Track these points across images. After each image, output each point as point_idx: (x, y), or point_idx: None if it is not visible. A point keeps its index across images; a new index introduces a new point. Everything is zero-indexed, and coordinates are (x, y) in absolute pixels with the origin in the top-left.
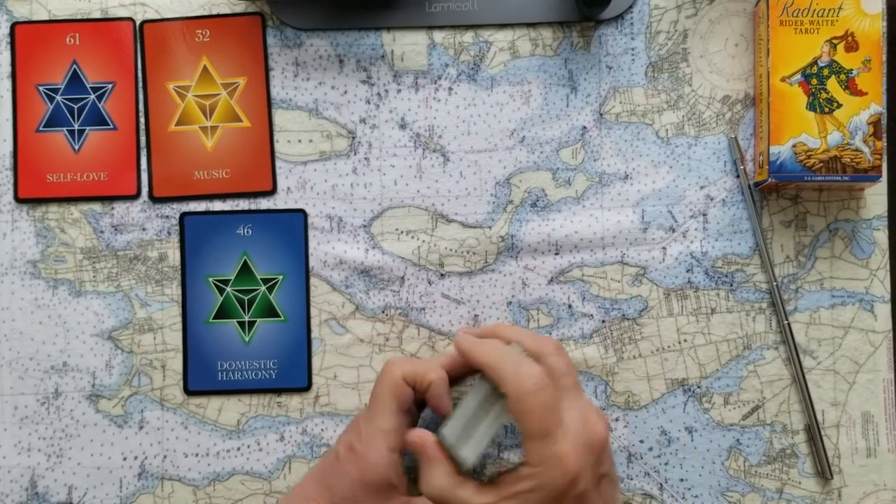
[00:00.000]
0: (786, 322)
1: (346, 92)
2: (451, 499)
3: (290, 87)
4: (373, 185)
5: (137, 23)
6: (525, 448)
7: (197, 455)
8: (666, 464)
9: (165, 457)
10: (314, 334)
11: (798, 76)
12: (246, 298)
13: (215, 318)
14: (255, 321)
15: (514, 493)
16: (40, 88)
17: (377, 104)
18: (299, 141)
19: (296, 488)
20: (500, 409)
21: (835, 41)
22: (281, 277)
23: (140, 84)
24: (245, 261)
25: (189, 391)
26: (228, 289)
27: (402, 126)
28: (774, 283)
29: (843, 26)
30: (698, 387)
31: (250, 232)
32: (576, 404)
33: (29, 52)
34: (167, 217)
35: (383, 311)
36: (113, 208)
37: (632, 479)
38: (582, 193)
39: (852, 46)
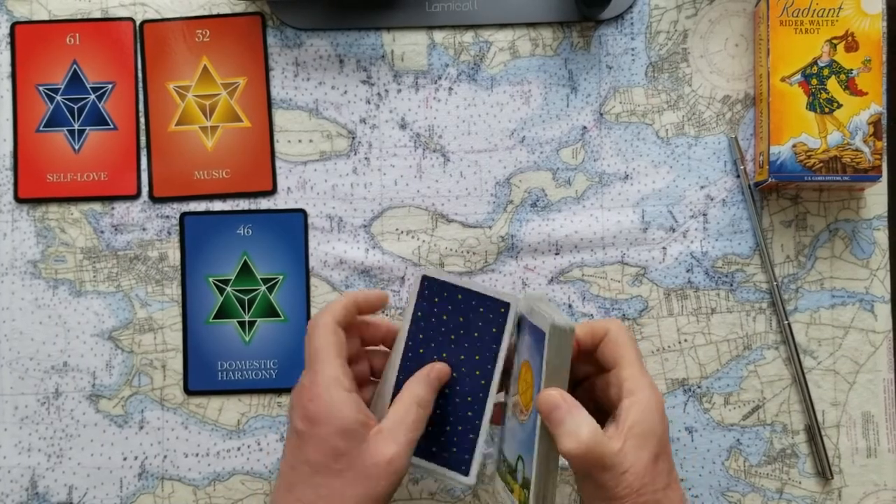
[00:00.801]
0: (786, 322)
1: (346, 92)
2: (598, 450)
3: (291, 87)
4: (373, 185)
5: (137, 23)
6: (621, 378)
7: (197, 455)
8: None
9: (166, 457)
10: None
11: (798, 76)
12: (246, 298)
13: (215, 318)
14: (256, 321)
15: (629, 426)
16: (40, 88)
17: (377, 104)
18: (299, 141)
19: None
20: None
21: (835, 41)
22: (281, 277)
23: (140, 84)
24: (245, 261)
25: (189, 391)
26: (228, 289)
27: (403, 126)
28: (774, 283)
29: (843, 26)
30: (698, 387)
31: (250, 232)
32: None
33: (29, 52)
34: (167, 217)
35: (383, 311)
36: (113, 208)
37: None
38: (582, 193)
39: (852, 46)
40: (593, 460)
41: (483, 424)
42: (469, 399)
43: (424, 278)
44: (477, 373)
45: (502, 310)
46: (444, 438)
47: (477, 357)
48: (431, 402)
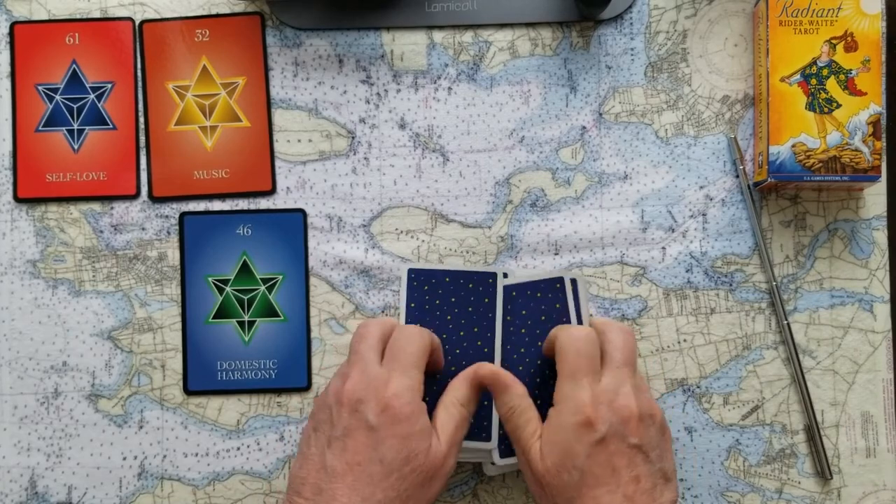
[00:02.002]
0: (785, 322)
1: (345, 92)
2: (521, 413)
3: (290, 87)
4: (372, 184)
5: (137, 22)
6: (555, 389)
7: (197, 455)
8: None
9: (165, 457)
10: (314, 334)
11: (797, 76)
12: (245, 298)
13: (215, 317)
14: (255, 321)
15: (541, 433)
16: (40, 88)
17: (377, 104)
18: (299, 141)
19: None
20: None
21: (834, 41)
22: (280, 277)
23: (139, 84)
24: (245, 260)
25: (189, 391)
26: (228, 288)
27: (402, 126)
28: (774, 283)
29: (843, 26)
30: (698, 387)
31: (250, 232)
32: (621, 379)
33: (28, 51)
34: (167, 217)
35: (383, 311)
36: (112, 208)
37: None
38: (581, 193)
39: (851, 46)
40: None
41: None
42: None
43: (411, 271)
44: (479, 343)
45: (490, 280)
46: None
47: (476, 329)
48: (475, 401)
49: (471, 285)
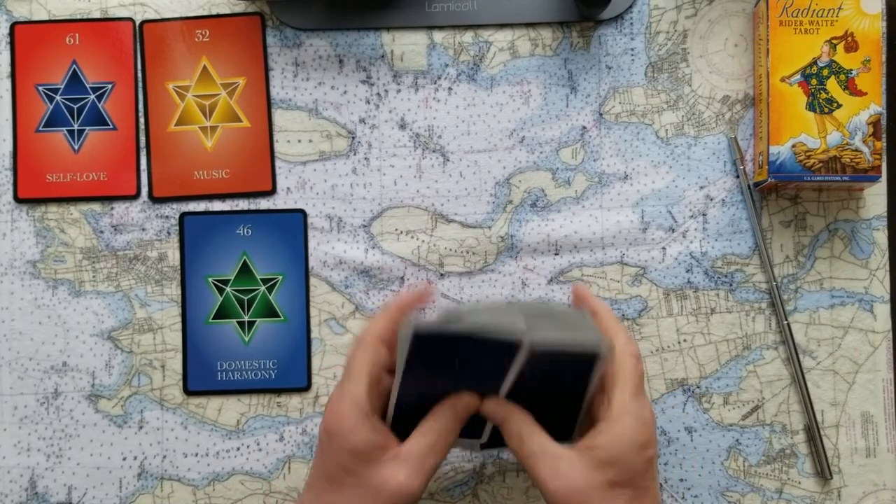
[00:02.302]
0: (785, 322)
1: (345, 92)
2: (529, 444)
3: (290, 88)
4: (372, 185)
5: (137, 23)
6: (616, 399)
7: (196, 455)
8: (665, 464)
9: (165, 457)
10: (314, 334)
11: (798, 76)
12: (246, 298)
13: (215, 318)
14: (255, 321)
15: (592, 445)
16: (40, 88)
17: (377, 104)
18: (299, 141)
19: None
20: (577, 333)
21: (834, 41)
22: (280, 277)
23: (140, 84)
24: (245, 261)
25: (189, 391)
26: (228, 289)
27: (402, 126)
28: (774, 284)
29: (843, 26)
30: (698, 387)
31: (250, 232)
32: (645, 395)
33: (29, 52)
34: (167, 217)
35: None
36: (112, 208)
37: None
38: (581, 193)
39: (852, 47)
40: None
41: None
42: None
43: (417, 337)
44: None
45: (512, 347)
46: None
47: (478, 390)
48: (457, 431)
49: (486, 351)
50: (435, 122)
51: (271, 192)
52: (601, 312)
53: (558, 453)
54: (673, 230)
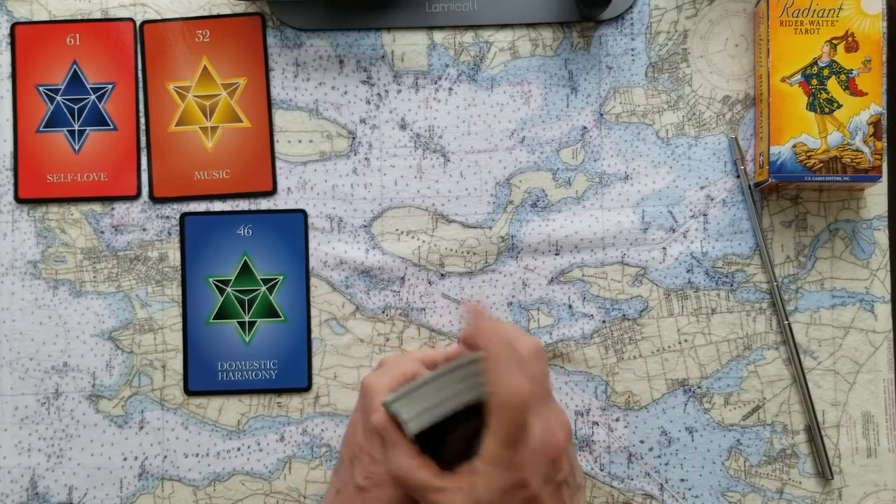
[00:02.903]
0: (786, 322)
1: (346, 92)
2: (410, 479)
3: (291, 88)
4: (373, 185)
5: (137, 23)
6: (486, 446)
7: (197, 455)
8: (666, 464)
9: (166, 457)
10: (314, 334)
11: (798, 76)
12: (246, 299)
13: (215, 318)
14: (256, 321)
15: (469, 484)
16: (41, 89)
17: (377, 104)
18: (299, 141)
19: None
20: (463, 390)
21: (835, 41)
22: (281, 278)
23: (140, 84)
24: (245, 261)
25: (189, 391)
26: (229, 289)
27: (403, 126)
28: (775, 284)
29: (844, 27)
30: (699, 387)
31: (250, 232)
32: (542, 412)
33: (29, 52)
34: (167, 217)
35: (383, 312)
36: (113, 209)
37: (632, 479)
38: (582, 194)
39: (852, 47)
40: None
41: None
42: None
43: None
44: None
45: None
46: None
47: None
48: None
49: None
50: (435, 123)
51: (272, 192)
52: (489, 351)
53: (443, 485)
54: (674, 230)
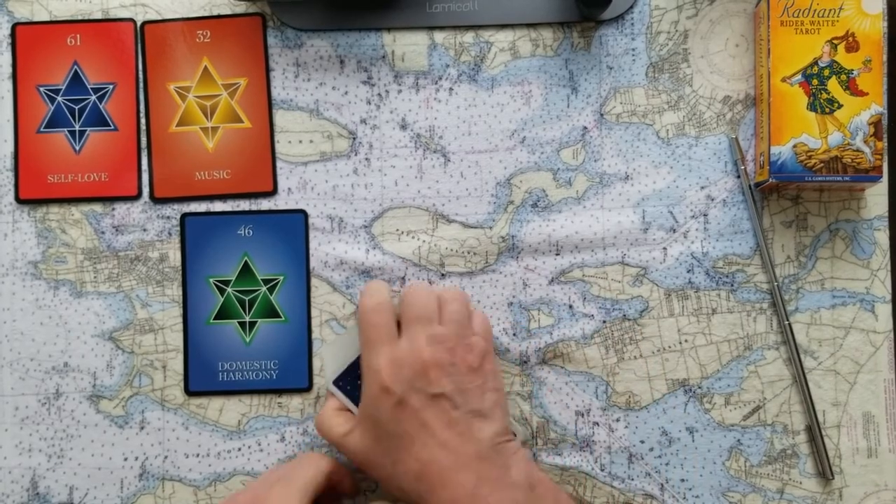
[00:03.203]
0: (787, 322)
1: (346, 92)
2: (326, 427)
3: (291, 88)
4: (373, 185)
5: (138, 23)
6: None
7: (198, 455)
8: (667, 464)
9: (166, 457)
10: (315, 335)
11: (799, 76)
12: (247, 299)
13: (216, 318)
14: (256, 322)
15: (360, 407)
16: (41, 89)
17: (378, 105)
18: (300, 141)
19: None
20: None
21: (835, 41)
22: (282, 278)
23: (141, 85)
24: (246, 261)
25: (190, 392)
26: (229, 289)
27: (403, 126)
28: (775, 284)
29: (844, 27)
30: (699, 387)
31: (251, 232)
32: (412, 334)
33: (30, 52)
34: (168, 218)
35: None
36: (114, 209)
37: (633, 479)
38: (583, 194)
39: (853, 47)
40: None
41: None
42: None
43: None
44: None
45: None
46: None
47: None
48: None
49: None
50: (436, 123)
51: (272, 192)
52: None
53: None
54: (674, 230)
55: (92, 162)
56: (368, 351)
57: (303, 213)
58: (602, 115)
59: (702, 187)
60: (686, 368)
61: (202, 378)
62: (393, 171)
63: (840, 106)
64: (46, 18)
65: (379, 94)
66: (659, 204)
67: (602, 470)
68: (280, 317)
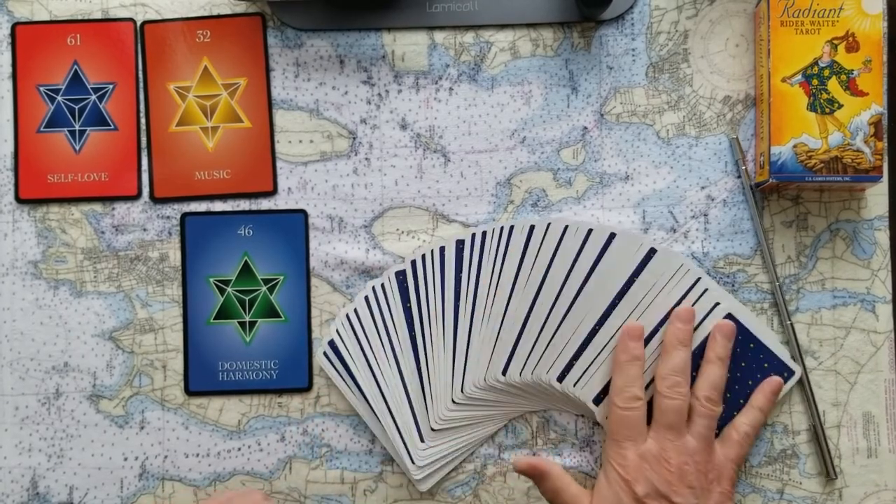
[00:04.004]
0: (788, 322)
1: (346, 92)
2: (565, 490)
3: (291, 88)
4: (373, 185)
5: (138, 23)
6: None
7: (198, 455)
8: None
9: (166, 457)
10: (315, 335)
11: (799, 77)
12: (247, 299)
13: (216, 318)
14: (256, 321)
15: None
16: (41, 89)
17: (378, 104)
18: (300, 141)
19: None
20: None
21: (835, 42)
22: (282, 278)
23: (141, 84)
24: (246, 261)
25: (190, 391)
26: (229, 289)
27: (403, 126)
28: (777, 284)
29: (844, 27)
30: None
31: (251, 232)
32: (671, 442)
33: (30, 52)
34: (168, 217)
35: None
36: (114, 209)
37: None
38: (583, 194)
39: (853, 47)
40: None
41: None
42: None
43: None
44: (734, 413)
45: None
46: None
47: (741, 401)
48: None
49: None
50: (436, 123)
51: (272, 192)
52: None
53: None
54: (674, 230)
55: (92, 162)
56: (618, 443)
57: (303, 213)
58: (602, 115)
59: (702, 187)
60: None
61: (202, 378)
62: (393, 170)
63: (840, 106)
64: (46, 18)
65: (379, 94)
66: (659, 204)
67: None
68: (280, 317)
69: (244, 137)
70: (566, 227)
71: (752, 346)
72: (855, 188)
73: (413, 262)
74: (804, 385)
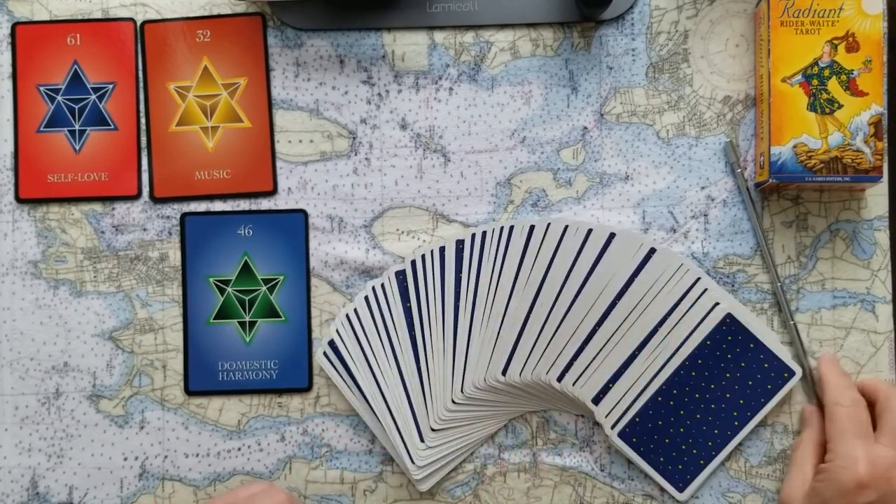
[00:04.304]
0: (792, 323)
1: (346, 92)
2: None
3: (291, 88)
4: (373, 185)
5: (138, 23)
6: (829, 447)
7: (198, 455)
8: None
9: (166, 457)
10: (315, 335)
11: (799, 77)
12: (247, 299)
13: (216, 318)
14: (256, 321)
15: (812, 486)
16: (41, 89)
17: (378, 104)
18: (300, 141)
19: None
20: None
21: (835, 42)
22: (282, 278)
23: (141, 84)
24: (246, 261)
25: (190, 391)
26: (229, 289)
27: (403, 126)
28: (779, 284)
29: (844, 27)
30: None
31: (251, 232)
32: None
33: (30, 52)
34: (168, 217)
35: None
36: (114, 208)
37: (633, 479)
38: (583, 194)
39: (853, 47)
40: None
41: (718, 460)
42: (716, 431)
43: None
44: (735, 413)
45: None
46: (675, 452)
47: (741, 401)
48: None
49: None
50: (436, 123)
51: (272, 192)
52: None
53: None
54: (674, 230)
55: (92, 161)
56: (847, 440)
57: (303, 213)
58: (602, 115)
59: (702, 187)
60: None
61: (202, 378)
62: (393, 170)
63: (840, 106)
64: (46, 18)
65: (379, 94)
66: (659, 204)
67: (602, 470)
68: (280, 316)
69: (244, 137)
70: (566, 227)
71: (752, 345)
72: (855, 188)
73: (413, 262)
74: (810, 384)
